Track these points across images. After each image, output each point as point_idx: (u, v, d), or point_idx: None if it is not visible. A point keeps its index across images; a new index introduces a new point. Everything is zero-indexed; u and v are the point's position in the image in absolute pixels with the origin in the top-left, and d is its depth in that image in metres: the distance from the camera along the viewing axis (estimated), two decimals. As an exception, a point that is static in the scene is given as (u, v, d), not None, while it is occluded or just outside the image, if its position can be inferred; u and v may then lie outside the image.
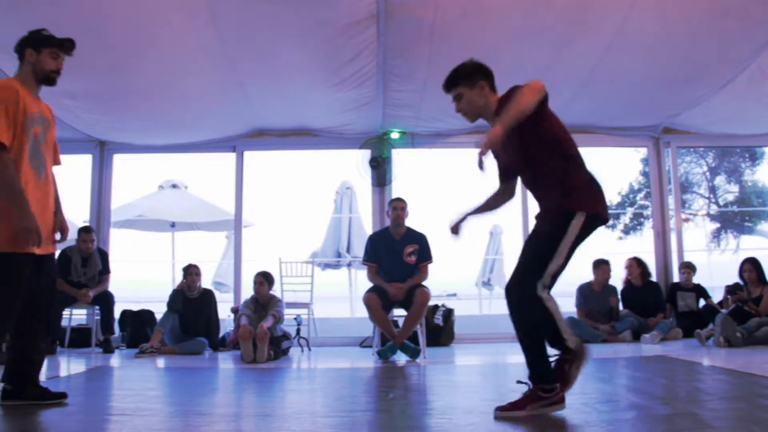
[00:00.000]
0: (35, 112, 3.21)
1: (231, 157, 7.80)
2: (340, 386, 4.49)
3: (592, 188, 3.08)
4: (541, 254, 2.97)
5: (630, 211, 20.35)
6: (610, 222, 20.40)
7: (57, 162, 3.49)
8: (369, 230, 7.86)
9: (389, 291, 5.75)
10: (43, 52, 3.22)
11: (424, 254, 5.97)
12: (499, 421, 2.82)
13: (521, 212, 7.59)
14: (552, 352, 3.03)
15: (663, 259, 7.68)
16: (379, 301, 5.72)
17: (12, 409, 3.08)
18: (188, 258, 7.12)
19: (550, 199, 3.09)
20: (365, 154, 7.55)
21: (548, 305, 2.96)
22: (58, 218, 3.42)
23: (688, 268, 7.32)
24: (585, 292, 7.26)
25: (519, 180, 3.31)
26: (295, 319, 6.83)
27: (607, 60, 5.87)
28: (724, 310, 6.33)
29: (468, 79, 3.19)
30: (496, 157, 3.30)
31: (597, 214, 3.02)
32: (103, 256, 6.92)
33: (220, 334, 6.84)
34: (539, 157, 3.07)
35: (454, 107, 3.24)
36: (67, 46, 3.29)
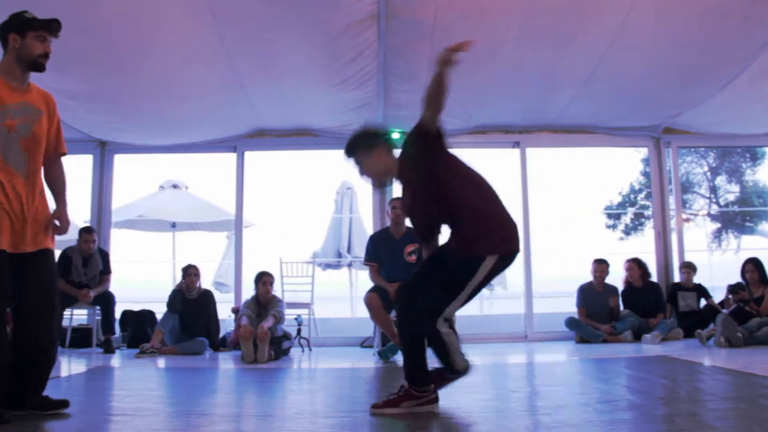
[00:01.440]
0: (12, 104, 2.99)
1: (232, 157, 7.80)
2: (341, 386, 4.49)
3: (502, 227, 3.10)
4: (446, 294, 3.04)
5: (631, 211, 20.33)
6: (612, 222, 20.51)
7: (60, 151, 3.30)
8: (369, 230, 7.85)
9: (390, 291, 5.75)
10: (29, 35, 3.00)
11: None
12: (374, 417, 3.00)
13: (522, 211, 7.58)
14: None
15: (664, 259, 7.68)
16: (380, 301, 5.72)
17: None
18: (189, 258, 7.13)
19: (460, 237, 3.12)
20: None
21: (447, 340, 3.06)
22: (57, 210, 3.22)
23: (689, 267, 7.32)
24: (586, 293, 7.26)
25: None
26: (296, 319, 6.83)
27: (608, 60, 5.87)
28: (725, 310, 6.32)
29: (362, 147, 3.26)
30: (412, 215, 3.41)
31: (510, 253, 3.09)
32: (104, 256, 6.93)
33: (221, 335, 6.85)
34: (448, 201, 3.11)
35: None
36: (53, 27, 3.06)
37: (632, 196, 20.46)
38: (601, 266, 7.28)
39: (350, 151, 3.28)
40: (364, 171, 3.28)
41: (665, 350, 5.86)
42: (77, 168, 7.57)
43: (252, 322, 5.88)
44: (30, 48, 3.01)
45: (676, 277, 7.48)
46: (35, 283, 3.10)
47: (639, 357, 5.55)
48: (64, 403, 3.13)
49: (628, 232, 20.32)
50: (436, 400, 3.15)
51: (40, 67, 3.07)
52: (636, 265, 7.28)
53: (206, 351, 6.47)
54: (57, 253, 6.67)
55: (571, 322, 7.08)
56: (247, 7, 5.04)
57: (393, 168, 3.27)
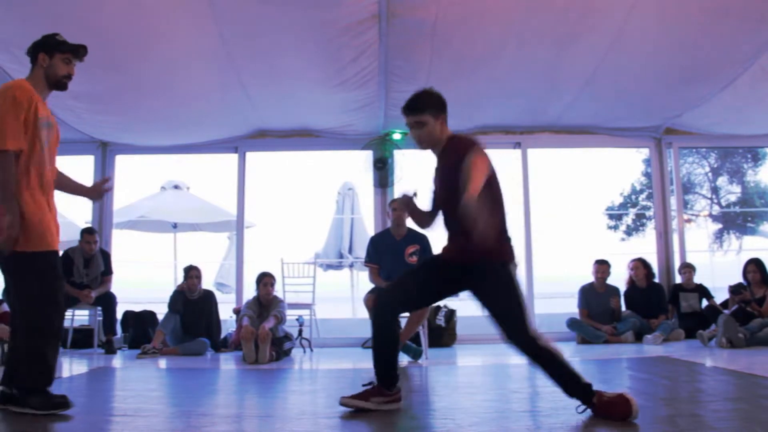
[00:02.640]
0: (44, 117, 3.21)
1: (233, 157, 7.80)
2: (342, 387, 4.48)
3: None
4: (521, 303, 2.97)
5: (632, 212, 20.32)
6: (613, 223, 20.50)
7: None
8: (371, 231, 7.85)
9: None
10: (56, 56, 3.24)
11: (425, 255, 5.97)
12: (343, 407, 3.14)
13: (523, 211, 7.58)
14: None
15: (665, 259, 7.67)
16: (380, 302, 5.71)
17: (12, 411, 3.08)
18: (190, 259, 7.13)
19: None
20: (371, 155, 7.54)
21: (557, 352, 2.93)
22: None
23: (688, 268, 7.32)
24: (587, 293, 7.26)
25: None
26: (297, 319, 6.83)
27: (609, 60, 5.87)
28: (726, 311, 6.31)
29: (435, 108, 3.23)
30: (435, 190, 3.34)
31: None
32: (106, 257, 6.93)
33: (222, 335, 6.85)
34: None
35: (414, 135, 3.26)
36: (80, 52, 3.30)
37: (633, 197, 20.45)
38: (602, 267, 7.27)
39: (421, 108, 3.22)
40: (422, 133, 3.22)
41: (667, 351, 5.86)
42: (79, 169, 7.58)
43: (253, 322, 5.88)
44: (56, 68, 3.24)
45: (678, 278, 7.47)
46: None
47: (640, 358, 5.55)
48: (65, 399, 3.22)
49: (629, 232, 20.31)
50: (400, 399, 3.24)
51: (62, 87, 3.31)
52: (641, 265, 7.27)
53: (207, 352, 6.47)
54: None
55: (572, 323, 7.08)
56: (248, 8, 5.04)
57: (442, 143, 3.24)
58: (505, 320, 2.96)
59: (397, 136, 7.51)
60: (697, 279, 7.35)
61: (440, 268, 3.21)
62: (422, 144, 3.28)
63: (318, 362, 5.94)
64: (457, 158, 3.00)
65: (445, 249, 3.23)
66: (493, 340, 7.24)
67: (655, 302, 7.15)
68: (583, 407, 2.83)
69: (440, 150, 3.27)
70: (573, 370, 2.88)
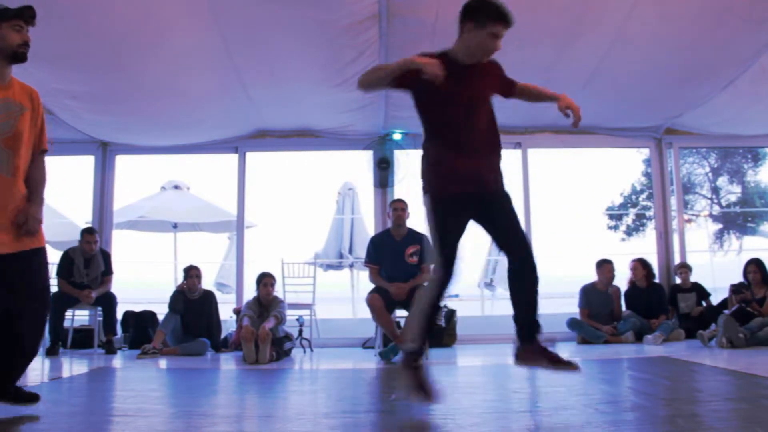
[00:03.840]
0: None
1: (233, 158, 7.80)
2: (343, 387, 4.49)
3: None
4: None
5: (632, 212, 20.33)
6: (613, 223, 20.52)
7: (42, 148, 3.14)
8: (371, 231, 7.85)
9: (391, 290, 5.75)
10: (3, 27, 2.92)
11: (425, 255, 5.97)
12: (400, 407, 3.10)
13: (523, 211, 7.58)
14: None
15: (665, 260, 7.67)
16: (382, 302, 5.72)
17: (11, 411, 3.07)
18: (190, 259, 7.13)
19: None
20: (373, 155, 7.54)
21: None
22: (27, 207, 3.01)
23: (684, 268, 7.32)
24: (589, 293, 7.25)
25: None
26: (297, 320, 6.83)
27: (609, 60, 5.87)
28: (726, 311, 6.31)
29: None
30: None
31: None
32: (106, 257, 6.93)
33: (223, 335, 6.85)
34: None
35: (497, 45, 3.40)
36: (27, 14, 2.97)
37: (634, 197, 20.47)
38: (609, 266, 7.25)
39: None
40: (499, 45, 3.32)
41: (667, 351, 5.85)
42: (79, 169, 7.59)
43: (253, 323, 5.87)
44: (7, 39, 2.93)
45: (677, 279, 7.47)
46: (23, 283, 3.02)
47: (641, 358, 5.55)
48: (36, 397, 3.12)
49: (629, 232, 20.33)
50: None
51: (21, 57, 2.97)
52: (641, 265, 7.26)
53: (208, 352, 6.47)
54: (58, 254, 6.74)
55: (572, 323, 7.07)
56: (248, 8, 5.04)
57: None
58: (521, 232, 3.37)
59: (397, 136, 7.52)
60: (698, 279, 7.34)
61: (461, 208, 3.32)
62: (489, 55, 3.42)
63: (318, 362, 5.94)
64: (497, 78, 3.44)
65: (464, 172, 3.30)
66: (493, 340, 7.31)
67: (656, 302, 7.14)
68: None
69: (482, 62, 3.41)
70: None
